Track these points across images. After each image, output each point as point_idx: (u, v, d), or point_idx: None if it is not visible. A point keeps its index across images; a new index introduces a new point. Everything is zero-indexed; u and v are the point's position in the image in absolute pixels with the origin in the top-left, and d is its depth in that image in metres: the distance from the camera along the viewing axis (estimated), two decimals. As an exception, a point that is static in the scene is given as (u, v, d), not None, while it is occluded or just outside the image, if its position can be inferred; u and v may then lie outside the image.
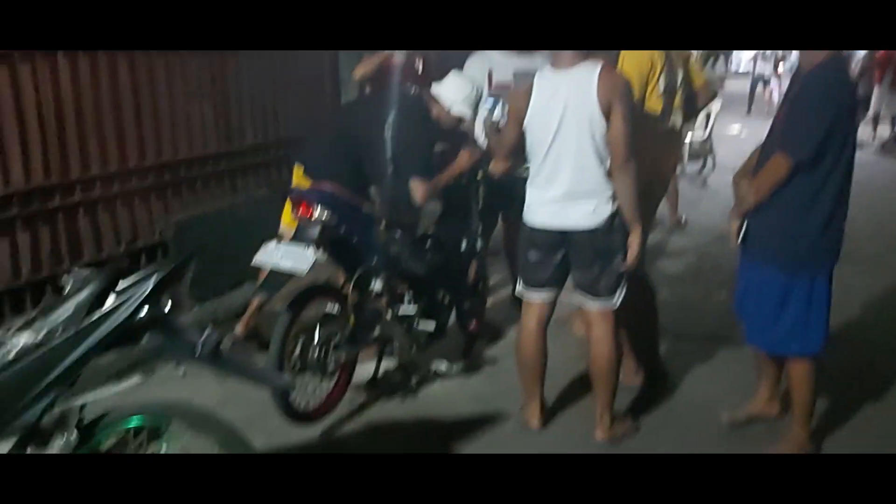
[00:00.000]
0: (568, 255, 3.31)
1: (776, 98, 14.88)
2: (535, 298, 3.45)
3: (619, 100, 3.08)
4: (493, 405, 3.74)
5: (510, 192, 4.22)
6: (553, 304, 3.49)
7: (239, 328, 4.10)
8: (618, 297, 3.32)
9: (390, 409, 3.74)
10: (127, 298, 2.09)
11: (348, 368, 3.54)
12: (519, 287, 3.49)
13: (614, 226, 3.23)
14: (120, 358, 4.14)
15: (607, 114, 3.08)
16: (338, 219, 3.30)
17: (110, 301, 2.09)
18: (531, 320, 3.46)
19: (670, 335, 4.31)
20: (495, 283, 5.13)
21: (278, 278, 3.27)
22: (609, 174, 3.19)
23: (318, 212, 3.25)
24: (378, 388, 3.84)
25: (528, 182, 3.37)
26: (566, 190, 3.22)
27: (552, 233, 3.28)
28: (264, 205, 4.80)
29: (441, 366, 4.01)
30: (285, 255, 3.16)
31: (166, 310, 2.14)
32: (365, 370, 3.81)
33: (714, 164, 9.28)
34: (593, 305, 3.34)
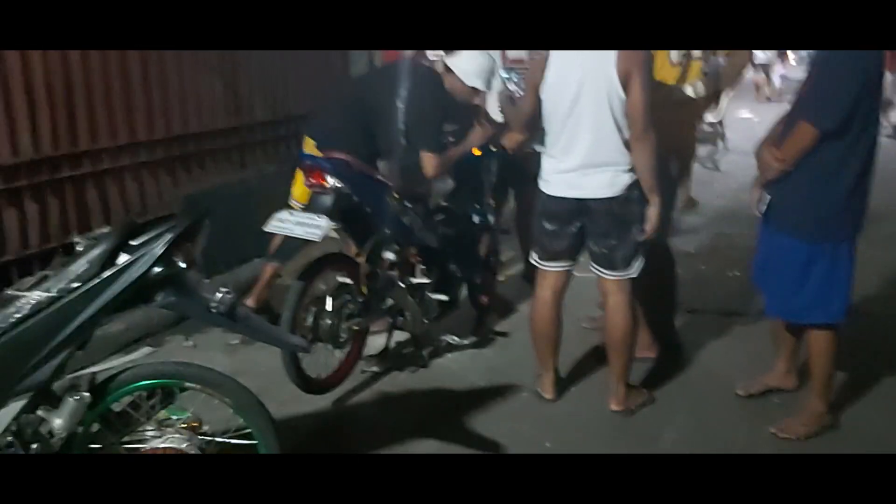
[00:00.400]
0: (584, 225, 3.27)
1: (779, 83, 14.87)
2: (550, 268, 3.41)
3: (638, 69, 3.03)
4: (507, 376, 3.71)
5: (523, 166, 4.20)
6: (568, 275, 3.45)
7: (250, 300, 4.07)
8: (634, 269, 3.29)
9: (402, 380, 3.71)
10: (140, 255, 2.05)
11: (360, 339, 3.51)
12: (534, 257, 3.45)
13: (632, 196, 3.19)
14: (129, 329, 4.16)
15: (626, 83, 3.04)
16: (350, 187, 3.26)
17: (123, 258, 2.06)
18: (546, 290, 3.43)
19: (683, 310, 4.27)
20: (507, 259, 5.09)
21: (291, 246, 3.24)
22: (627, 144, 3.14)
23: (330, 180, 3.21)
24: (389, 359, 3.81)
25: (544, 152, 3.32)
26: (583, 160, 3.18)
27: (569, 202, 3.24)
28: (274, 180, 4.77)
29: (453, 339, 3.97)
30: (298, 223, 3.12)
31: (180, 267, 2.09)
32: (377, 341, 3.77)
33: (726, 147, 9.20)
34: (610, 276, 3.30)
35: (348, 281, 3.37)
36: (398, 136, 3.78)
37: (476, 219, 4.12)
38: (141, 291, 2.08)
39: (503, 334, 4.21)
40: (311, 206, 3.20)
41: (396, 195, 3.51)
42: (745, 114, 12.93)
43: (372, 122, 3.80)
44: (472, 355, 4.00)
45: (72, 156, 4.24)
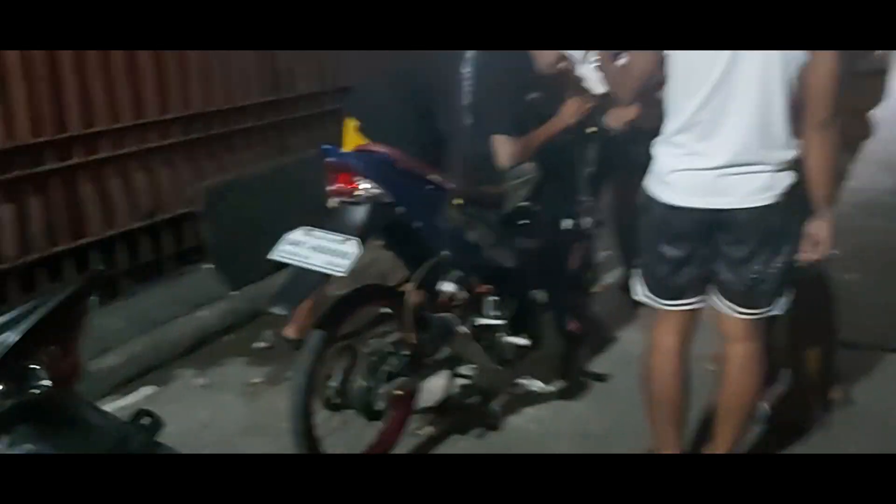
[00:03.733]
0: (718, 245, 2.28)
1: None
2: (674, 308, 2.40)
3: None
4: (607, 443, 2.75)
5: (629, 151, 3.21)
6: (698, 315, 2.44)
7: (290, 329, 3.19)
8: (780, 305, 2.34)
9: (464, 448, 2.76)
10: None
11: (407, 403, 2.57)
12: (645, 292, 2.44)
13: (790, 205, 2.22)
14: (129, 361, 3.29)
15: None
16: (393, 194, 2.29)
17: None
18: (668, 337, 2.43)
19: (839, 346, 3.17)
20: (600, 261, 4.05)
21: (305, 282, 2.26)
22: (796, 133, 2.17)
23: (364, 184, 2.26)
24: (448, 413, 2.86)
25: (664, 140, 2.30)
26: (733, 154, 2.17)
27: (702, 214, 2.24)
28: (317, 167, 3.84)
29: (533, 385, 2.98)
30: (317, 249, 2.18)
31: (45, 386, 1.16)
32: (432, 383, 2.81)
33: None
34: (744, 315, 2.33)
35: (390, 327, 2.42)
36: (463, 115, 2.81)
37: (567, 224, 3.12)
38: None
39: (601, 378, 3.21)
40: (336, 222, 2.25)
41: (459, 201, 2.54)
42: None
43: (428, 96, 2.83)
44: (558, 409, 3.02)
45: (58, 143, 3.38)
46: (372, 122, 2.87)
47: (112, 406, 3.13)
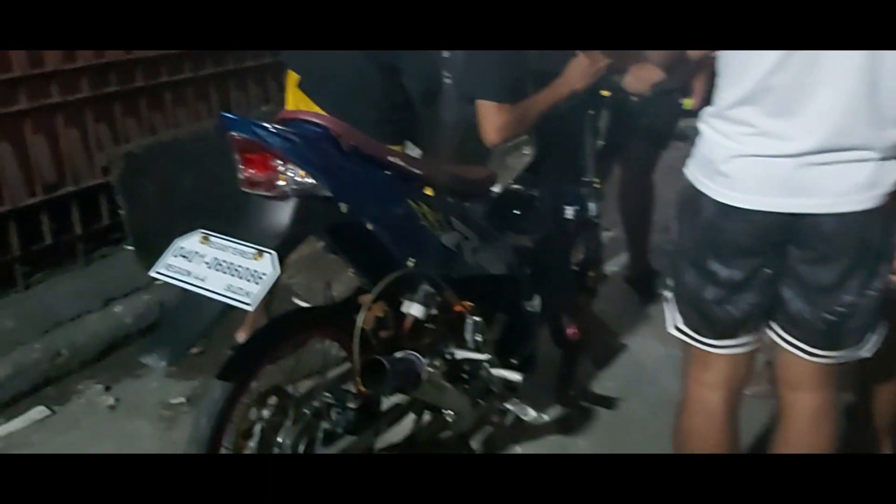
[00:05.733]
0: (790, 263, 1.63)
1: None
2: (722, 350, 1.75)
3: None
4: None
5: (651, 119, 2.58)
6: (753, 362, 1.80)
7: (242, 332, 2.55)
8: (869, 346, 1.71)
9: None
10: None
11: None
12: (678, 324, 1.78)
13: (891, 211, 1.58)
14: (18, 374, 2.64)
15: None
16: (333, 187, 1.59)
17: None
18: (712, 395, 1.79)
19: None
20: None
21: (201, 314, 1.55)
22: None
23: (289, 173, 1.55)
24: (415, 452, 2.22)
25: (717, 113, 1.63)
26: (824, 136, 1.51)
27: (774, 220, 1.58)
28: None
29: (524, 413, 2.32)
30: (216, 266, 1.49)
31: None
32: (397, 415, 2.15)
33: None
34: (816, 358, 1.70)
35: (331, 367, 1.75)
36: (439, 73, 2.11)
37: (570, 211, 2.45)
38: None
39: (609, 403, 2.57)
40: (248, 226, 1.55)
41: (430, 191, 1.86)
42: None
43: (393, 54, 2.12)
44: (556, 447, 2.40)
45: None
46: (314, 78, 2.16)
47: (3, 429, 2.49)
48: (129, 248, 3.16)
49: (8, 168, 2.93)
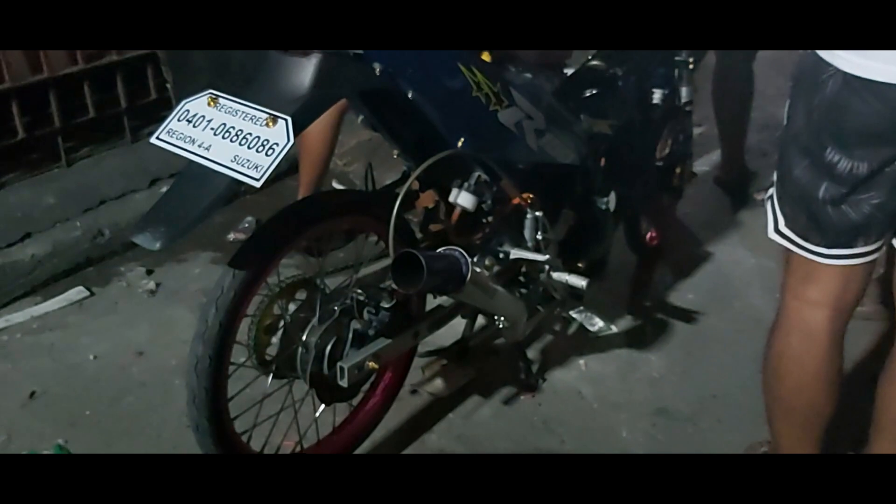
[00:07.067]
0: None
1: None
2: (832, 262, 1.43)
3: None
4: (689, 430, 1.87)
5: None
6: (869, 276, 1.48)
7: None
8: None
9: (485, 416, 1.92)
10: None
11: (398, 368, 1.70)
12: (782, 227, 1.46)
13: None
14: (53, 255, 2.54)
15: None
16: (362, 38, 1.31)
17: None
18: (816, 313, 1.47)
19: None
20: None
21: (204, 189, 1.31)
22: None
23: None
24: (463, 367, 2.01)
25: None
26: None
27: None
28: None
29: (591, 322, 2.06)
30: (224, 133, 1.25)
31: None
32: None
33: None
34: None
35: (364, 260, 1.51)
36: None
37: (658, 95, 2.13)
38: None
39: (687, 316, 2.29)
40: (263, 86, 1.30)
41: (486, 57, 1.56)
42: None
43: None
44: (625, 364, 2.13)
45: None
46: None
47: (29, 313, 2.38)
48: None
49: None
